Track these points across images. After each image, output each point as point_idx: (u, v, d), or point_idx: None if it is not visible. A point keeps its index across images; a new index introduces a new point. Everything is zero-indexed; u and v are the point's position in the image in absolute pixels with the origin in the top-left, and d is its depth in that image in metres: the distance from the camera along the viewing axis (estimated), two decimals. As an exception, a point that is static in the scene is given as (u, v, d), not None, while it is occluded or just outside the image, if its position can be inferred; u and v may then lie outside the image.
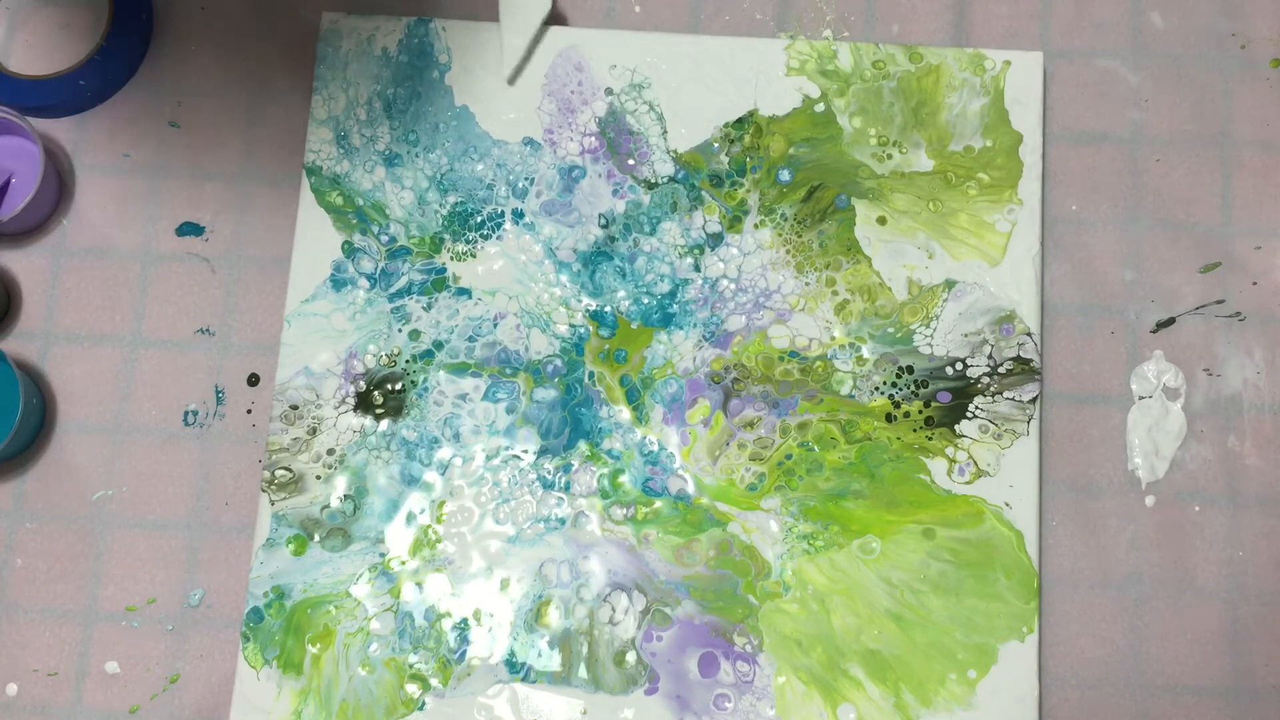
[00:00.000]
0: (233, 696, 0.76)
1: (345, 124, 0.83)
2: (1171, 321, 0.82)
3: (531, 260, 0.82)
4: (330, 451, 0.79)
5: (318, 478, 0.78)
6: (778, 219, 0.82)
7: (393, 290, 0.81)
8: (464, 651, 0.76)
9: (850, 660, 0.76)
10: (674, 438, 0.79)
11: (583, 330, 0.81)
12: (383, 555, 0.77)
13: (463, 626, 0.76)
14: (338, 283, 0.81)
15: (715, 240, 0.81)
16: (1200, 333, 0.81)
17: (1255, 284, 0.82)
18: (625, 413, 0.79)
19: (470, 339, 0.80)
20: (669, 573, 0.77)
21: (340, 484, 0.78)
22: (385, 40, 0.84)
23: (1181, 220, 0.83)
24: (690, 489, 0.78)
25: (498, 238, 0.82)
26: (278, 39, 0.86)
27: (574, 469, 0.79)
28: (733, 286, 0.81)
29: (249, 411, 0.81)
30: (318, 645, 0.76)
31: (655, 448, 0.79)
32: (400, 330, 0.81)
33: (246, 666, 0.76)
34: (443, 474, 0.79)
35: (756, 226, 0.82)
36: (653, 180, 0.82)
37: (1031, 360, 0.79)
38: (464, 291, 0.81)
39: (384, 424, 0.79)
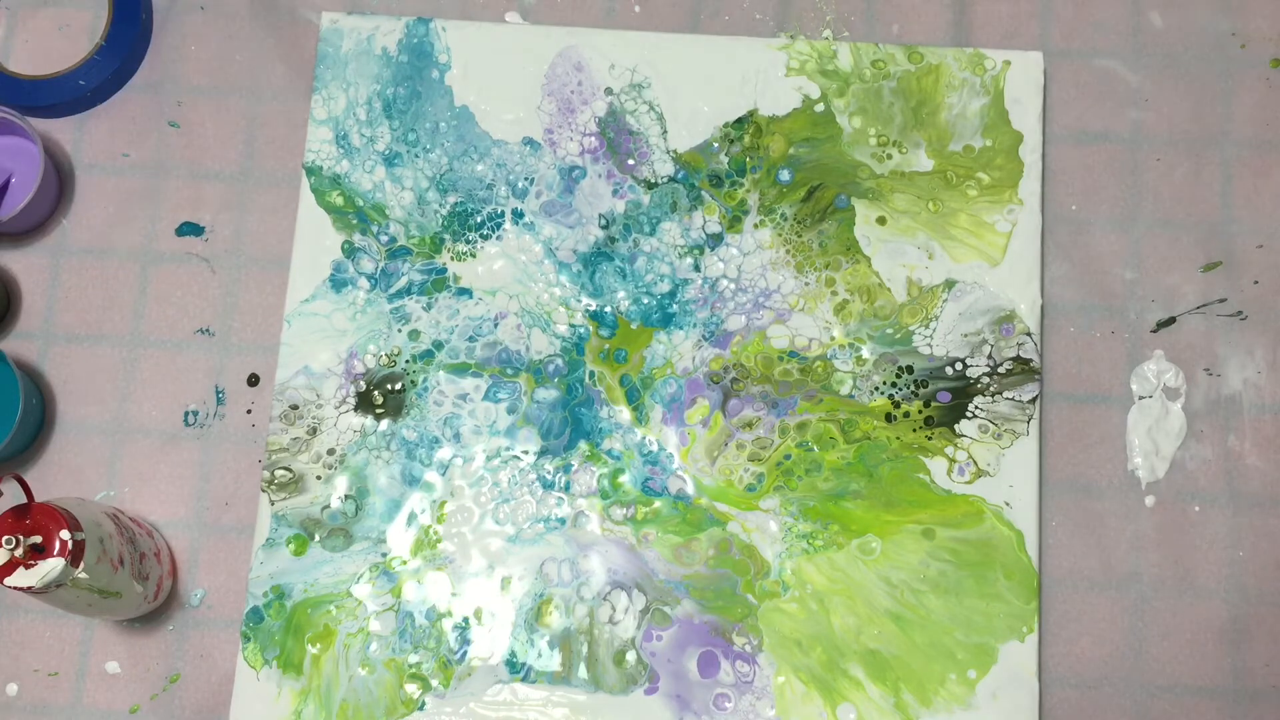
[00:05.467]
0: (233, 696, 0.76)
1: (345, 124, 0.83)
2: (1172, 321, 0.81)
3: (531, 260, 0.82)
4: (330, 451, 0.79)
5: (318, 478, 0.78)
6: (777, 219, 0.82)
7: (393, 290, 0.81)
8: (464, 651, 0.76)
9: (850, 660, 0.76)
10: (673, 438, 0.79)
11: (583, 330, 0.80)
12: (384, 555, 0.77)
13: (463, 626, 0.76)
14: (338, 283, 0.81)
15: (715, 240, 0.81)
16: (1201, 332, 0.81)
17: (1257, 283, 0.82)
18: (625, 413, 0.79)
19: (470, 339, 0.80)
20: (668, 572, 0.77)
21: (341, 484, 0.78)
22: (385, 40, 0.84)
23: (1181, 220, 0.83)
24: (690, 489, 0.78)
25: (498, 238, 0.82)
26: (278, 39, 0.86)
27: (574, 469, 0.79)
28: (732, 286, 0.81)
29: (249, 411, 0.81)
30: (318, 645, 0.76)
31: (655, 448, 0.79)
32: (400, 330, 0.81)
33: (246, 666, 0.76)
34: (443, 474, 0.79)
35: (756, 226, 0.82)
36: (653, 180, 0.82)
37: (1031, 360, 0.79)
38: (464, 291, 0.81)
39: (384, 424, 0.79)
